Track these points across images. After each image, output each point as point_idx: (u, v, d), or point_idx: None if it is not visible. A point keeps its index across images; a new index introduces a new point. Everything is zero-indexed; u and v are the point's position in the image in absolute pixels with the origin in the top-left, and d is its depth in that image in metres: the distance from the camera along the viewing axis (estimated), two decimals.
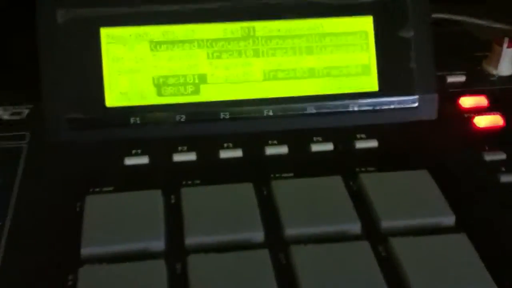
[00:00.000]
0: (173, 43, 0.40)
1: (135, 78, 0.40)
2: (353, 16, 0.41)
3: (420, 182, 0.36)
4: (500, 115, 0.41)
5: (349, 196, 0.35)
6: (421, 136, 0.40)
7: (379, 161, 0.38)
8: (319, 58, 0.41)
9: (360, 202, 0.35)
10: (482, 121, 0.40)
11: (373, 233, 0.33)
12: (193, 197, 0.35)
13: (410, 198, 0.34)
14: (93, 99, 0.39)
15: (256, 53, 0.40)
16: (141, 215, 0.33)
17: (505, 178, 0.36)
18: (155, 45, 0.40)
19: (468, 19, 0.50)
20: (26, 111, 0.41)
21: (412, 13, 0.41)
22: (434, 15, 0.50)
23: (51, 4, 0.39)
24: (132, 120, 0.39)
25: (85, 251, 0.31)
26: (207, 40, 0.40)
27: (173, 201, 0.35)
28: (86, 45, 0.39)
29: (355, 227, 0.33)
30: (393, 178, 0.36)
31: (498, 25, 0.49)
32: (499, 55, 0.44)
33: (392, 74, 0.41)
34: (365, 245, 0.32)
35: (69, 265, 0.31)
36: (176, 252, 0.32)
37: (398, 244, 0.32)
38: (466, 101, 0.42)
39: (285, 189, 0.35)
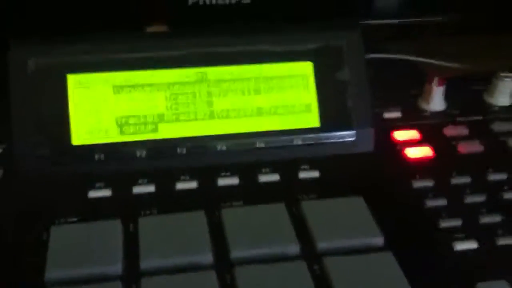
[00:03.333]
0: (134, 87, 0.44)
1: (99, 119, 0.43)
2: (295, 61, 0.45)
3: (354, 207, 0.40)
4: (430, 147, 0.45)
5: (290, 221, 0.38)
6: (358, 167, 0.44)
7: (320, 189, 0.42)
8: (266, 98, 0.45)
9: (301, 226, 0.38)
10: (413, 153, 0.45)
11: (310, 253, 0.37)
12: (150, 225, 0.38)
13: (345, 222, 0.38)
14: (60, 138, 0.42)
15: (210, 95, 0.44)
16: (101, 243, 0.37)
17: (430, 203, 0.40)
18: (118, 89, 0.43)
19: (403, 57, 0.55)
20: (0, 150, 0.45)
21: (347, 58, 0.45)
22: (374, 55, 0.55)
23: (23, 54, 0.42)
24: (96, 156, 0.43)
25: (49, 275, 0.35)
26: (165, 83, 0.44)
27: (131, 229, 0.38)
28: (54, 89, 0.43)
29: (295, 249, 0.37)
30: (331, 204, 0.40)
31: (433, 62, 0.54)
32: (430, 93, 0.49)
33: (331, 112, 0.45)
34: (302, 265, 0.36)
35: None
36: (132, 276, 0.35)
37: (331, 263, 0.36)
38: (400, 135, 0.47)
39: (233, 216, 0.39)
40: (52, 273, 0.35)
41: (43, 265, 0.35)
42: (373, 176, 0.43)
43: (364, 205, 0.40)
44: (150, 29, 0.53)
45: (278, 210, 0.39)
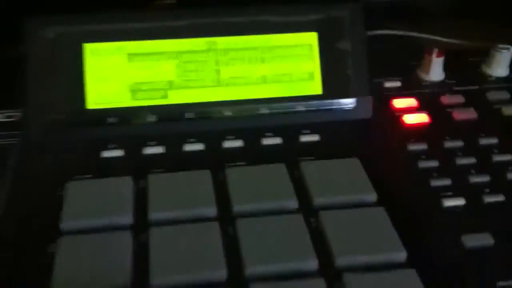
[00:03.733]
0: (146, 55, 0.46)
1: (113, 85, 0.46)
2: (301, 32, 0.47)
3: (351, 167, 0.42)
4: (426, 113, 0.47)
5: (290, 179, 0.41)
6: (357, 132, 0.46)
7: (320, 152, 0.44)
8: (271, 67, 0.47)
9: (300, 184, 0.41)
10: (410, 119, 0.47)
11: (307, 208, 0.39)
12: (158, 181, 0.41)
13: (341, 180, 0.41)
14: (75, 102, 0.45)
15: (217, 63, 0.47)
16: (113, 197, 0.40)
17: (422, 164, 0.42)
18: (131, 57, 0.46)
19: (406, 33, 0.57)
20: (18, 114, 0.48)
21: (349, 29, 0.47)
22: (378, 32, 0.57)
23: (41, 22, 0.45)
24: (109, 120, 0.45)
25: (64, 225, 0.38)
26: (176, 52, 0.47)
27: (141, 185, 0.41)
28: (70, 57, 0.45)
29: (293, 204, 0.39)
30: (328, 164, 0.42)
31: (433, 37, 0.56)
32: (429, 64, 0.51)
33: (333, 80, 0.47)
34: (299, 218, 0.38)
35: (50, 236, 0.37)
36: (142, 225, 0.38)
37: (326, 216, 0.38)
38: (398, 103, 0.49)
39: (237, 174, 0.42)
40: (67, 223, 0.38)
41: (59, 216, 0.38)
42: (371, 139, 0.45)
43: (359, 165, 0.42)
44: (159, 2, 0.55)
45: (279, 170, 0.42)
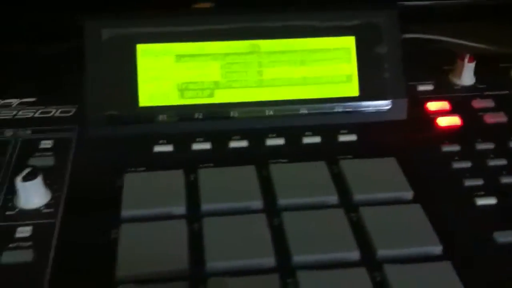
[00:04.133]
0: (194, 56, 0.49)
1: (163, 84, 0.49)
2: (339, 36, 0.50)
3: (388, 166, 0.45)
4: (459, 116, 0.50)
5: (330, 176, 0.44)
6: (392, 132, 0.49)
7: (357, 151, 0.47)
8: (311, 69, 0.50)
9: (339, 181, 0.44)
10: (443, 121, 0.50)
11: (347, 203, 0.42)
12: (207, 175, 0.44)
13: (379, 178, 0.44)
14: (129, 100, 0.48)
15: (260, 65, 0.50)
16: (167, 188, 0.43)
17: (456, 165, 0.45)
18: (180, 58, 0.49)
19: (437, 37, 0.59)
20: (73, 110, 0.51)
21: (385, 34, 0.50)
22: (413, 35, 0.60)
23: (97, 24, 0.48)
24: (160, 117, 0.49)
25: (125, 213, 0.41)
26: (221, 54, 0.49)
27: (192, 179, 0.44)
28: (124, 57, 0.48)
29: (333, 199, 0.42)
30: (366, 163, 0.45)
31: (465, 43, 0.58)
32: (461, 69, 0.53)
33: (370, 83, 0.50)
34: (340, 212, 0.41)
35: (112, 223, 0.40)
36: (194, 215, 0.41)
37: (366, 212, 0.41)
38: (432, 105, 0.51)
39: (280, 170, 0.44)
40: (127, 211, 0.41)
41: (119, 205, 0.41)
42: (406, 140, 0.48)
43: (396, 165, 0.45)
44: (197, 6, 0.58)
45: (319, 167, 0.45)
